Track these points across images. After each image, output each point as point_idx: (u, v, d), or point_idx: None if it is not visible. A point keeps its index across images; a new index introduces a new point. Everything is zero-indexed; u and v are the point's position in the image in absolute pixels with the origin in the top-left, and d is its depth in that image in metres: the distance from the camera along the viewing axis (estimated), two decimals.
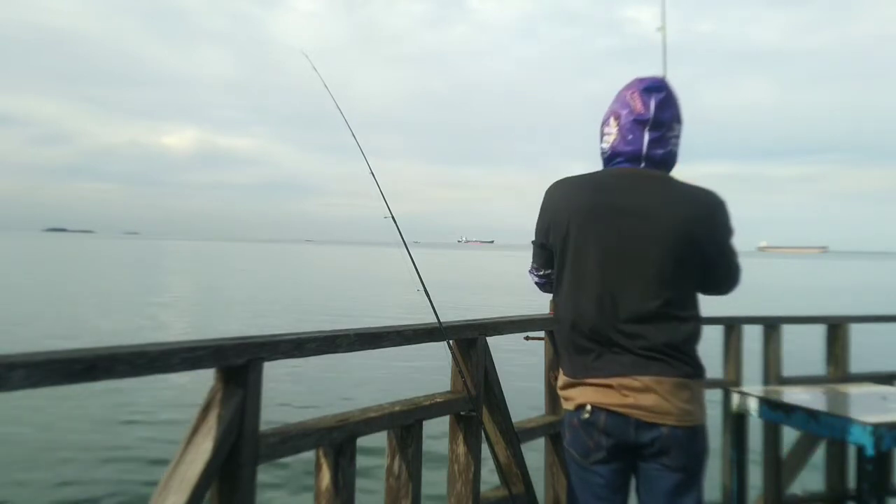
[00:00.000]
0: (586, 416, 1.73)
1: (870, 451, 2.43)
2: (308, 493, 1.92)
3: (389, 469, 2.07)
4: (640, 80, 1.78)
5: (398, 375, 9.13)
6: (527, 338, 2.70)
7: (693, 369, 1.71)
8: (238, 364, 1.53)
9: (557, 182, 1.87)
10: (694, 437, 1.69)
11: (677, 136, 1.79)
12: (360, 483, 1.89)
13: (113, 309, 17.38)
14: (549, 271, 1.93)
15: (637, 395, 1.66)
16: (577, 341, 1.78)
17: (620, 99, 1.80)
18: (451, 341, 2.19)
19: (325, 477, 1.82)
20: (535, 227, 1.91)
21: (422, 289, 2.17)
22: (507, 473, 2.42)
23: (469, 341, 2.28)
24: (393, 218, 2.16)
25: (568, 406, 1.82)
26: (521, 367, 4.22)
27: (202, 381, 1.55)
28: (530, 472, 2.51)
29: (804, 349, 4.02)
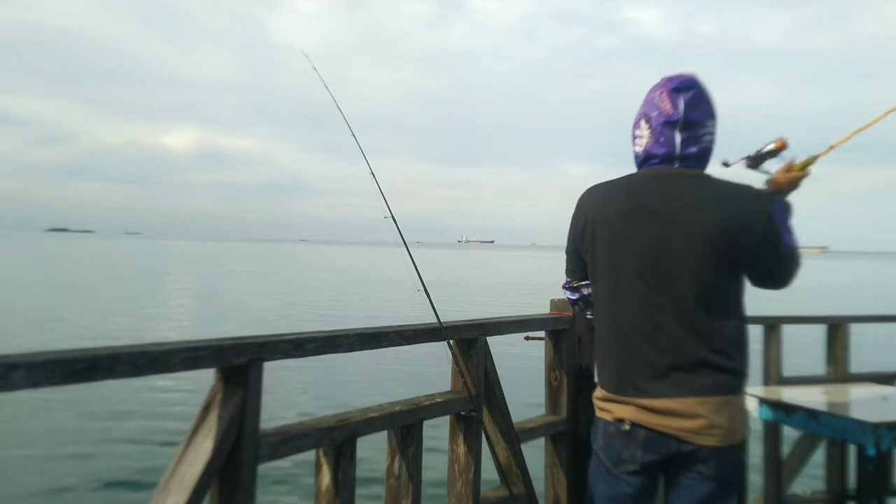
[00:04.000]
0: (626, 428, 1.68)
1: (870, 451, 2.43)
2: (308, 493, 1.92)
3: (389, 469, 2.07)
4: (669, 80, 1.75)
5: (398, 375, 9.13)
6: (527, 338, 2.70)
7: (737, 381, 1.65)
8: (238, 364, 1.53)
9: (592, 187, 1.83)
10: (736, 451, 1.66)
11: (711, 133, 1.74)
12: (360, 483, 1.89)
13: (116, 309, 17.38)
14: (584, 283, 1.88)
15: (681, 419, 1.61)
16: (614, 355, 1.73)
17: (649, 101, 1.76)
18: (451, 341, 2.19)
19: (325, 477, 1.82)
20: (567, 235, 1.87)
21: (422, 289, 2.17)
22: (507, 473, 2.42)
23: (469, 341, 2.28)
24: (393, 218, 2.16)
25: (605, 416, 1.77)
26: (521, 367, 4.22)
27: (203, 381, 1.55)
28: (530, 472, 2.51)
29: (804, 349, 4.02)
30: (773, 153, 1.91)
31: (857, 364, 3.58)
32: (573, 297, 1.95)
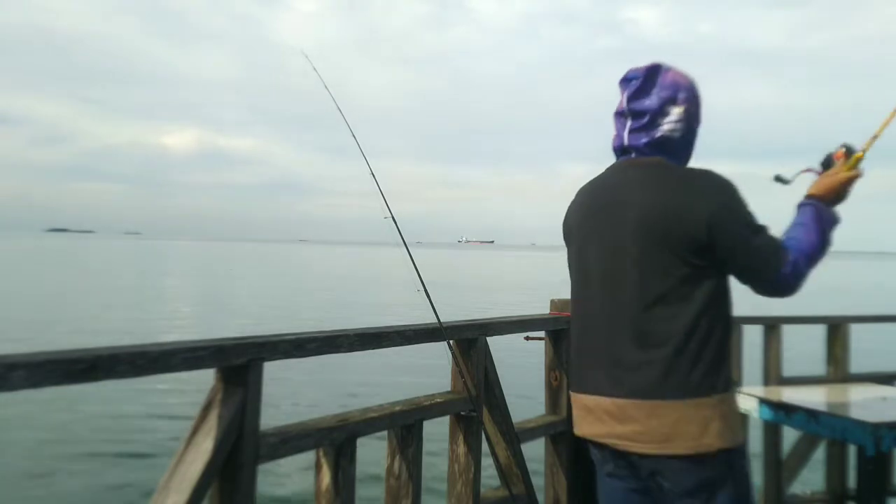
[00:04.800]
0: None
1: (870, 451, 2.43)
2: (308, 493, 1.92)
3: (389, 469, 2.07)
4: (629, 72, 1.73)
5: (398, 375, 9.13)
6: (527, 338, 2.70)
7: (672, 383, 1.49)
8: (238, 364, 1.53)
9: (580, 189, 1.86)
10: (688, 462, 1.49)
11: (677, 120, 1.64)
12: (360, 483, 1.89)
13: (117, 307, 17.38)
14: None
15: (615, 422, 1.59)
16: (574, 355, 1.80)
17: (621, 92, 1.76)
18: (451, 341, 2.19)
19: (325, 477, 1.82)
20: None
21: (422, 289, 2.17)
22: (507, 473, 2.42)
23: (469, 341, 2.28)
24: (393, 218, 2.16)
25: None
26: (521, 367, 4.22)
27: (203, 380, 1.55)
28: (530, 472, 2.51)
29: (804, 349, 4.02)
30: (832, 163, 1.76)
31: (857, 364, 3.59)
32: None
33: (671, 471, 1.52)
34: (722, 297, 1.60)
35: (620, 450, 1.60)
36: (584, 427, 1.73)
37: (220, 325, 15.29)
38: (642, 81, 1.67)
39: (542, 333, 2.77)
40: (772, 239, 1.60)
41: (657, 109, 1.64)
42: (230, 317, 16.79)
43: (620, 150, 1.72)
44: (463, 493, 2.26)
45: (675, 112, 1.64)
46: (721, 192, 1.57)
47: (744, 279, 1.61)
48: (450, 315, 2.17)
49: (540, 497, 2.61)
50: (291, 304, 20.47)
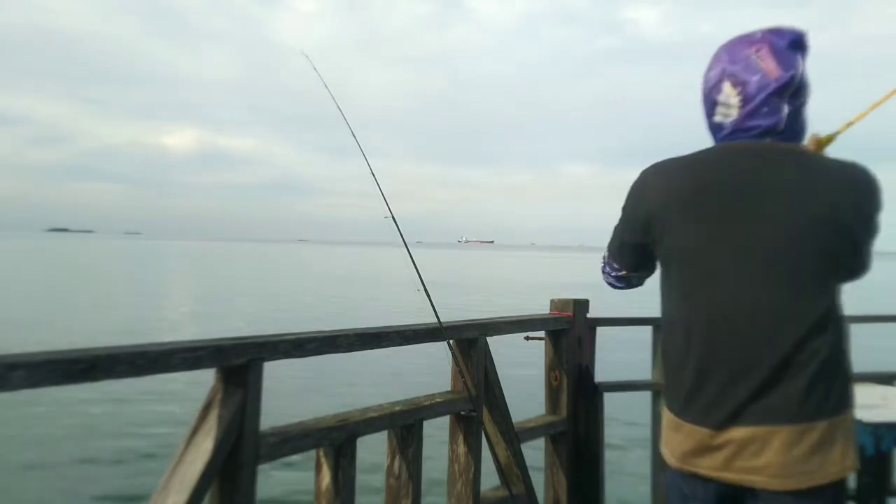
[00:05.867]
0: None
1: (870, 451, 2.43)
2: (308, 493, 1.92)
3: (389, 469, 2.07)
4: (772, 34, 1.38)
5: (398, 375, 9.13)
6: (527, 338, 2.70)
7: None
8: (238, 364, 1.53)
9: (657, 167, 1.47)
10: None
11: (805, 102, 1.42)
12: (360, 483, 1.89)
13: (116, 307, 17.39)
14: (636, 273, 1.60)
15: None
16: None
17: (737, 59, 1.39)
18: (451, 341, 2.19)
19: (325, 477, 1.82)
20: (622, 219, 1.54)
21: (422, 289, 2.17)
22: (507, 473, 2.42)
23: (469, 341, 2.28)
24: (393, 218, 2.16)
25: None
26: (521, 367, 4.22)
27: (203, 381, 1.55)
28: (530, 472, 2.51)
29: None
30: None
31: (857, 364, 3.57)
32: (617, 285, 1.67)
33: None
34: None
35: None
36: (693, 458, 1.35)
37: (220, 325, 15.28)
38: (796, 47, 1.38)
39: (542, 333, 2.77)
40: None
41: (808, 87, 1.41)
42: (230, 317, 16.78)
43: (767, 132, 1.37)
44: (463, 493, 2.26)
45: (807, 92, 1.42)
46: (878, 187, 1.40)
47: (850, 276, 1.44)
48: (450, 315, 2.17)
49: (540, 497, 2.61)
50: (291, 304, 20.47)
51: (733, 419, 1.28)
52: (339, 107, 2.22)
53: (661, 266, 1.48)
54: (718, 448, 1.30)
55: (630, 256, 1.57)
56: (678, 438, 1.37)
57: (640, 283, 1.65)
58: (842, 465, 1.28)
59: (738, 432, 1.28)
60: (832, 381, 1.29)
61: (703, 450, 1.32)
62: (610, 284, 1.69)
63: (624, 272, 1.61)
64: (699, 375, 1.34)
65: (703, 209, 1.36)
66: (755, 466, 1.26)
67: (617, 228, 1.58)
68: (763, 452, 1.26)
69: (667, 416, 1.44)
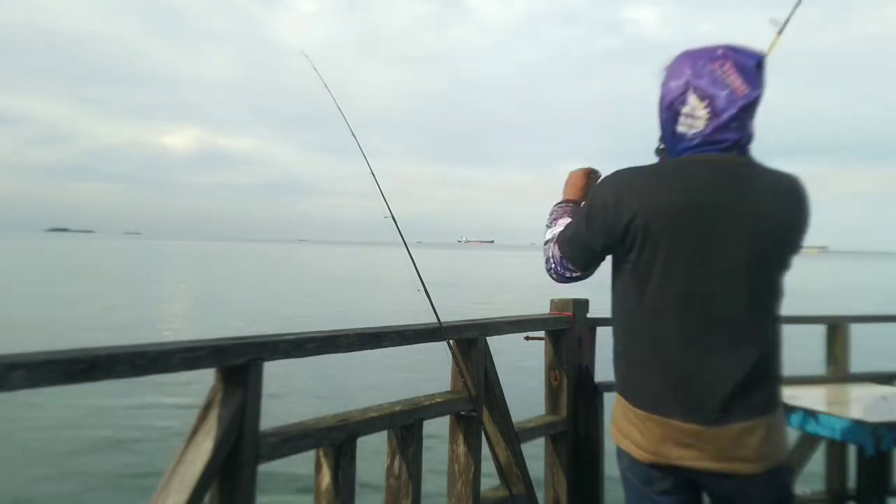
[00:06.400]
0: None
1: (870, 451, 2.43)
2: (308, 493, 1.92)
3: (389, 469, 2.07)
4: (736, 52, 1.46)
5: (398, 375, 9.13)
6: (527, 338, 2.70)
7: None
8: (238, 364, 1.53)
9: (631, 173, 1.52)
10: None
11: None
12: (360, 483, 1.89)
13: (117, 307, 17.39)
14: (587, 273, 1.68)
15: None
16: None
17: (704, 73, 1.45)
18: (451, 341, 2.19)
19: (325, 477, 1.82)
20: (589, 223, 1.56)
21: (422, 289, 2.17)
22: (507, 473, 2.42)
23: (469, 341, 2.28)
24: (393, 218, 2.16)
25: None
26: (521, 367, 4.22)
27: (203, 381, 1.55)
28: (530, 472, 2.51)
29: (804, 349, 4.02)
30: None
31: (857, 364, 3.58)
32: (568, 282, 1.73)
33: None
34: None
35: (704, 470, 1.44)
36: (673, 451, 1.46)
37: (220, 324, 15.29)
38: (761, 68, 1.47)
39: (541, 333, 2.77)
40: None
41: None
42: (230, 317, 16.79)
43: (735, 145, 1.45)
44: (463, 493, 2.26)
45: None
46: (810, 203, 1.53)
47: None
48: (450, 315, 2.17)
49: (540, 497, 2.61)
50: (291, 303, 20.48)
51: (724, 415, 1.42)
52: (339, 107, 2.22)
53: (632, 272, 1.52)
54: (709, 441, 1.42)
55: (591, 259, 1.63)
56: (655, 432, 1.48)
57: (586, 278, 1.73)
58: (784, 449, 1.52)
59: (731, 427, 1.42)
60: (779, 380, 1.55)
61: (688, 443, 1.44)
62: (562, 281, 1.74)
63: (578, 273, 1.69)
64: (683, 377, 1.46)
65: (688, 222, 1.44)
66: (744, 455, 1.42)
67: (579, 232, 1.61)
68: (748, 442, 1.42)
69: (633, 411, 1.52)
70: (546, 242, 1.75)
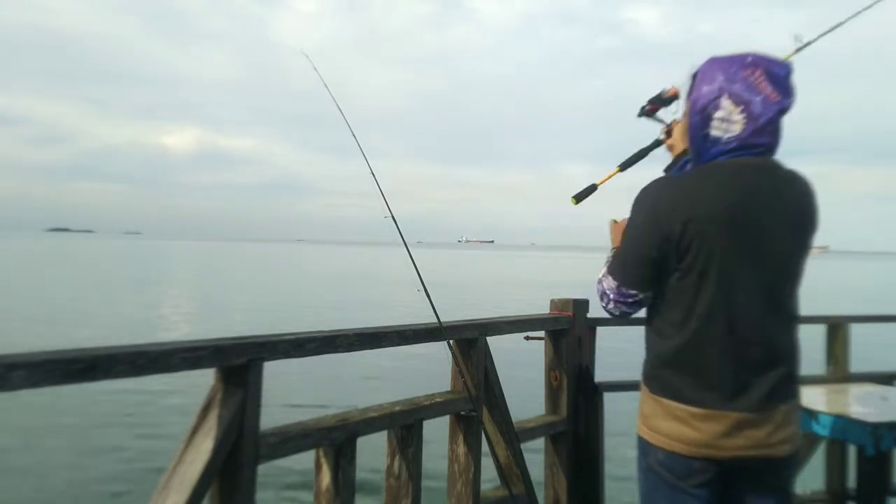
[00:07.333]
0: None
1: (870, 451, 2.43)
2: (308, 493, 1.92)
3: (389, 469, 2.07)
4: (766, 60, 1.53)
5: (398, 375, 9.13)
6: (527, 338, 2.70)
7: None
8: (238, 364, 1.53)
9: (668, 181, 1.60)
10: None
11: None
12: (360, 483, 1.89)
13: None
14: (649, 293, 1.62)
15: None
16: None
17: (738, 79, 1.50)
18: (451, 341, 2.19)
19: (325, 477, 1.82)
20: (641, 235, 1.58)
21: (422, 289, 2.17)
22: (507, 473, 2.42)
23: (469, 341, 2.28)
24: (393, 217, 2.16)
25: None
26: (521, 367, 4.22)
27: (203, 381, 1.55)
28: (530, 472, 2.51)
29: (804, 349, 4.02)
30: (668, 101, 1.86)
31: (857, 364, 3.58)
32: (629, 311, 1.68)
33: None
34: None
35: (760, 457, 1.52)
36: (728, 442, 1.50)
37: (220, 324, 15.29)
38: (790, 77, 1.55)
39: (541, 333, 2.77)
40: None
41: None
42: (230, 317, 16.79)
43: (769, 149, 1.53)
44: (463, 493, 2.26)
45: None
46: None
47: None
48: (450, 315, 2.17)
49: (540, 497, 2.61)
50: (291, 303, 20.48)
51: (771, 402, 1.50)
52: (339, 107, 2.22)
53: (683, 277, 1.53)
54: (759, 425, 1.49)
55: (649, 274, 1.59)
56: (711, 426, 1.51)
57: (646, 304, 1.68)
58: (799, 434, 1.60)
59: (778, 411, 1.51)
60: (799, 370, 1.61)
61: (742, 432, 1.49)
62: (623, 314, 1.70)
63: (641, 296, 1.63)
64: (739, 370, 1.51)
65: (741, 224, 1.49)
66: (784, 437, 1.51)
67: (630, 250, 1.62)
68: (789, 421, 1.53)
69: (682, 409, 1.53)
70: (598, 282, 1.73)
